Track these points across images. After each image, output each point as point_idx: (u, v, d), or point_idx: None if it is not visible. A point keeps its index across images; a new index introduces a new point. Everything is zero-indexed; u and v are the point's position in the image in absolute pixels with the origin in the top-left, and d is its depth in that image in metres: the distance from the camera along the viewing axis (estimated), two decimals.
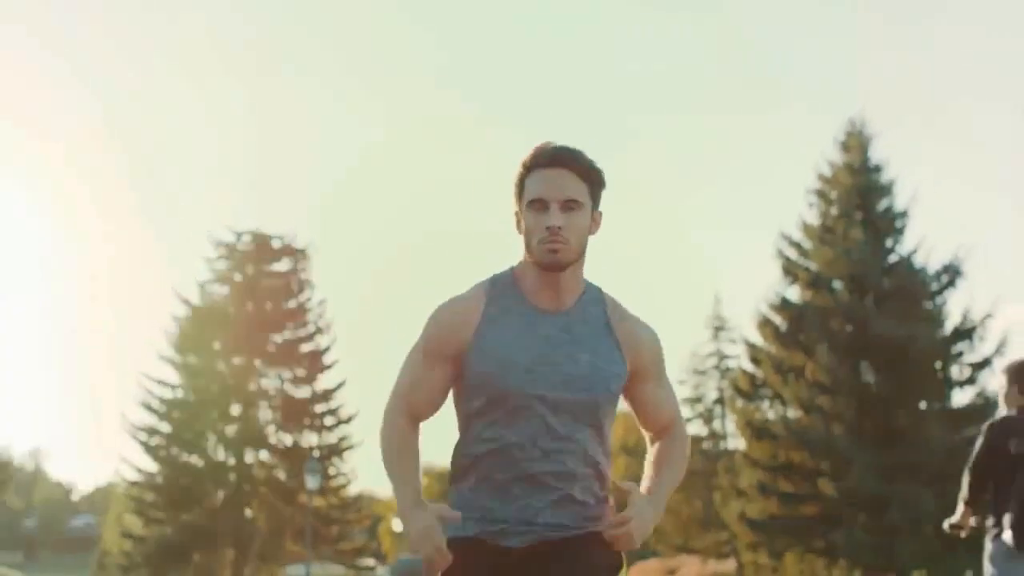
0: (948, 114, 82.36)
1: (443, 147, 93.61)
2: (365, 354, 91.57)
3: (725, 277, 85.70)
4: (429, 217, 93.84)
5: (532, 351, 2.84)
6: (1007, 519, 6.05)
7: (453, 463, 2.97)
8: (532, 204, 2.84)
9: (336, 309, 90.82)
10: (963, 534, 6.32)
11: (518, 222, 2.91)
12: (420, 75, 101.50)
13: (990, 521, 6.18)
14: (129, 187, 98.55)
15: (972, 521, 6.30)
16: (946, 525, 6.39)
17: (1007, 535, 6.03)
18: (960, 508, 6.30)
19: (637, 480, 3.01)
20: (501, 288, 2.92)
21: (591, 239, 2.92)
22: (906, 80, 78.78)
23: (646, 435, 3.11)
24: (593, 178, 2.87)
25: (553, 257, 2.81)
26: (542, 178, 2.84)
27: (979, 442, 6.18)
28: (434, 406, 2.95)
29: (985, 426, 6.24)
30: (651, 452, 3.08)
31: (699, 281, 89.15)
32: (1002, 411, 6.30)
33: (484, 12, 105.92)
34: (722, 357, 44.15)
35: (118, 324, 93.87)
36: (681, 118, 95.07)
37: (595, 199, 2.89)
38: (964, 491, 6.25)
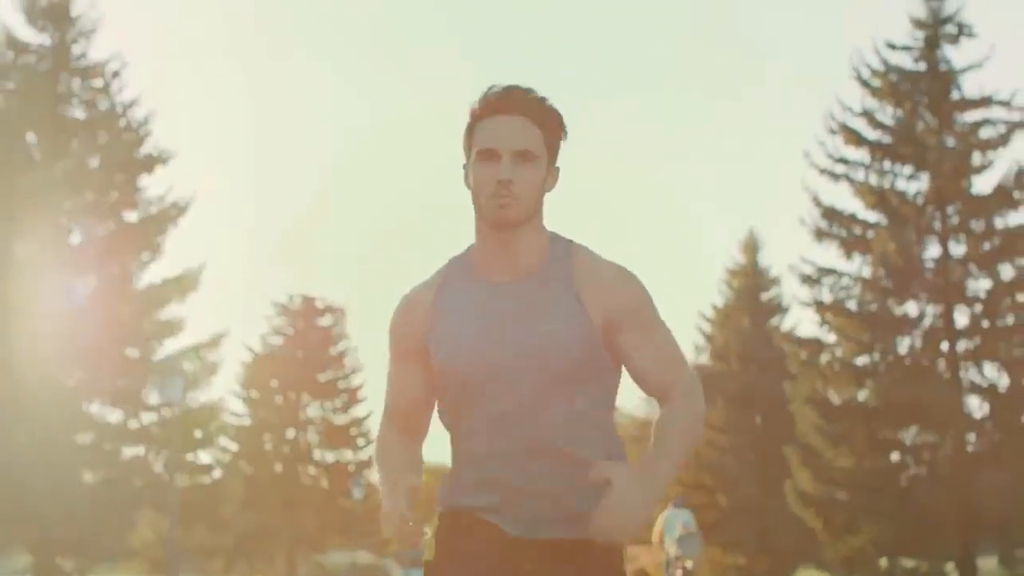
0: None
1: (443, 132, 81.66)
2: None
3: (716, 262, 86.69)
4: (437, 214, 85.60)
5: (483, 333, 2.51)
6: None
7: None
8: (481, 155, 2.48)
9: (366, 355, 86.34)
10: None
11: (466, 176, 2.54)
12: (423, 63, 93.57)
13: None
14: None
15: None
16: None
17: None
18: None
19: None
20: (457, 270, 2.60)
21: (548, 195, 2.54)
22: None
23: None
24: (550, 124, 2.50)
25: (501, 214, 2.46)
26: (493, 125, 2.48)
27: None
28: (418, 410, 2.63)
29: None
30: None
31: (694, 262, 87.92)
32: None
33: None
34: None
35: None
36: (667, 95, 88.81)
37: (552, 150, 2.52)
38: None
